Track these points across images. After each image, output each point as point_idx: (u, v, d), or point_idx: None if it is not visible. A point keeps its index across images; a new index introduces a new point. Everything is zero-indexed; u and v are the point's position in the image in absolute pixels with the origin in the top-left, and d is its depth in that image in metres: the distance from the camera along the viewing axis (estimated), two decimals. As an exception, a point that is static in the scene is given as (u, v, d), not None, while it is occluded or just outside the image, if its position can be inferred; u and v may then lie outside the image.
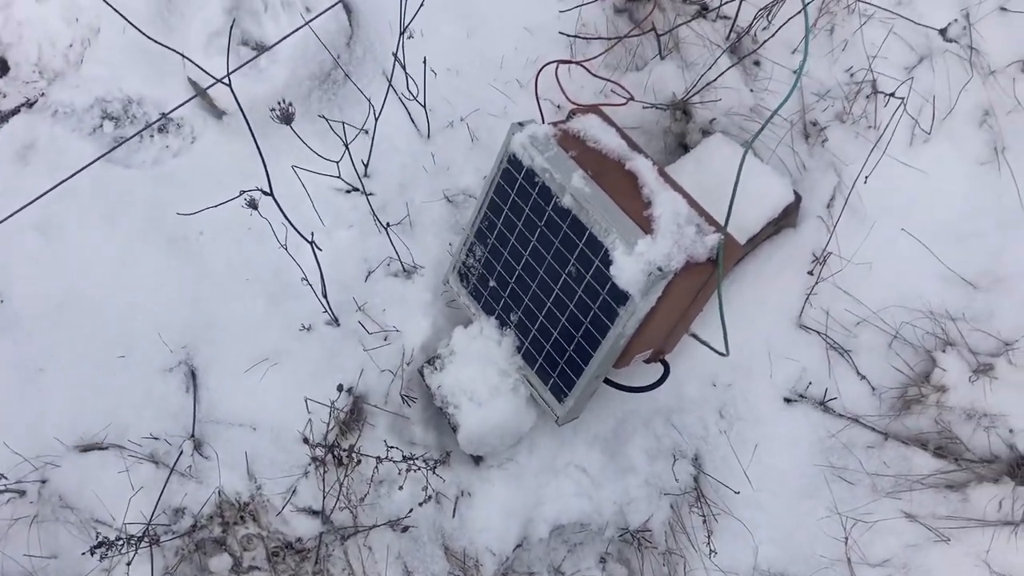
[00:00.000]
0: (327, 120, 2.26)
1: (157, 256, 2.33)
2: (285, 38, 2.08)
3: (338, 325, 2.21)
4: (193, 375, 2.21)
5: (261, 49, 2.43)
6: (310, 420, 2.08)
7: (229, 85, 1.53)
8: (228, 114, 2.39)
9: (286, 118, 1.61)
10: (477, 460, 2.11)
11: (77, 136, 2.50)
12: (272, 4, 2.44)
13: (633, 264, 1.65)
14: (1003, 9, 2.26)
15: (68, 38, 2.69)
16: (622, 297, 1.72)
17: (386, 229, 2.15)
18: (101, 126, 2.53)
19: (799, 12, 2.25)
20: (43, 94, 2.62)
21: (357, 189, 2.34)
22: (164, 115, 2.48)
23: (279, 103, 1.62)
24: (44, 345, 2.25)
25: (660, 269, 1.65)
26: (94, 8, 2.67)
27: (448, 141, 2.39)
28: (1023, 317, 2.08)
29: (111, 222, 2.37)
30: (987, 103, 2.24)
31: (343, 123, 2.17)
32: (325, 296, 2.09)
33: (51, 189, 1.82)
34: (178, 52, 1.79)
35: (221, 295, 2.27)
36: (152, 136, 2.52)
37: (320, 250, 1.96)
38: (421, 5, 2.00)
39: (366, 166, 2.34)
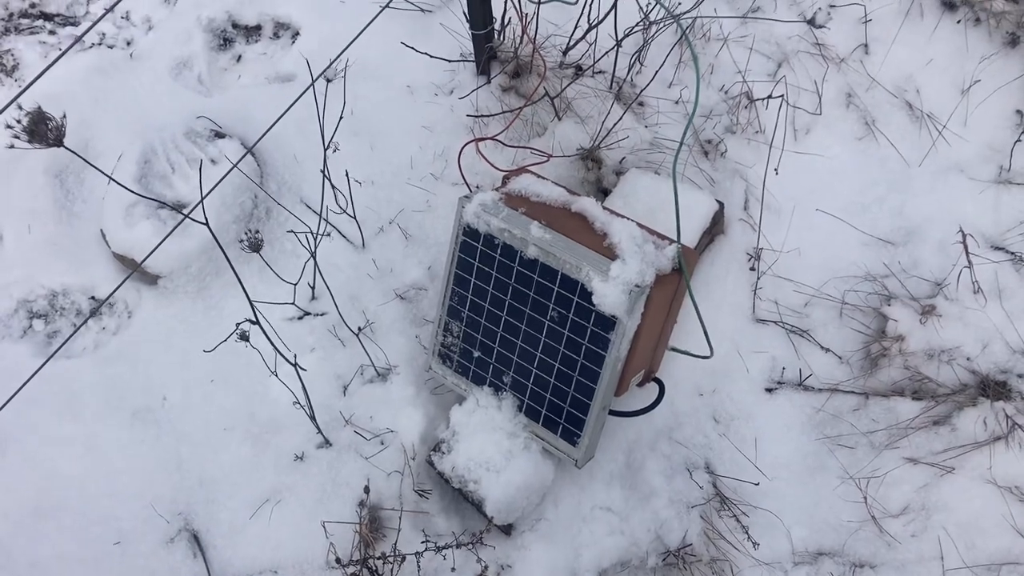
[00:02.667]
0: (263, 258, 2.30)
1: (126, 434, 2.27)
2: (206, 196, 2.13)
3: (330, 445, 2.19)
4: (196, 538, 2.13)
5: (178, 207, 2.46)
6: (332, 544, 2.04)
7: (206, 223, 1.55)
8: (163, 277, 2.39)
9: (255, 246, 1.66)
10: (507, 531, 2.11)
11: (9, 342, 2.44)
12: (179, 164, 2.48)
13: (612, 288, 1.75)
14: (832, 6, 2.56)
15: (-32, 255, 2.64)
16: (609, 323, 1.80)
17: (357, 335, 2.18)
18: (31, 326, 2.47)
19: (669, 52, 2.49)
20: (-43, 314, 2.54)
21: (309, 314, 2.36)
22: (107, 299, 2.45)
23: (247, 232, 1.67)
24: (30, 559, 2.12)
25: (638, 286, 1.75)
26: (-11, 217, 2.64)
27: (383, 245, 2.46)
28: (943, 256, 2.29)
29: (69, 416, 2.30)
30: (847, 87, 2.51)
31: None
32: (314, 418, 2.09)
33: (3, 405, 1.77)
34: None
35: (204, 451, 2.22)
36: (86, 322, 2.48)
37: (304, 369, 1.97)
38: (340, 118, 2.10)
39: (312, 288, 2.37)
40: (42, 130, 1.20)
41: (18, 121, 1.20)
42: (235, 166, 2.04)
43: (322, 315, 2.37)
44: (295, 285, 2.24)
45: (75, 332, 1.87)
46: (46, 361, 1.69)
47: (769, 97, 2.40)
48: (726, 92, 2.52)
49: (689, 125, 1.90)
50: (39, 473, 2.22)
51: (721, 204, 2.30)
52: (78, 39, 1.41)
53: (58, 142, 1.23)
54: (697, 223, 2.21)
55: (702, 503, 2.11)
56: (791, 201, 2.39)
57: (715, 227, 2.31)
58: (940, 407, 2.15)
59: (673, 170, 1.79)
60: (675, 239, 1.89)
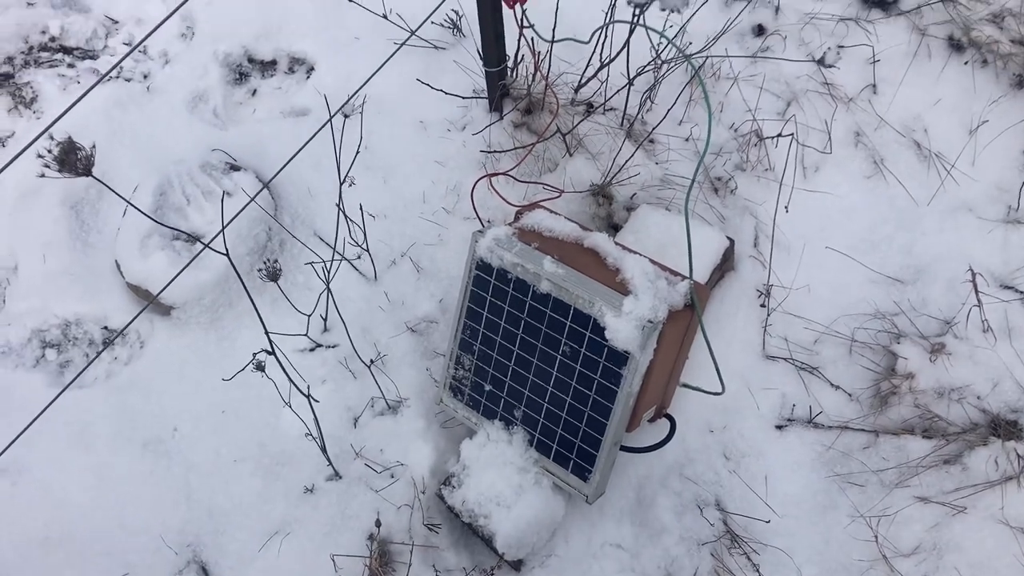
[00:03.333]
0: (280, 288, 2.31)
1: (136, 465, 2.27)
2: (226, 226, 2.16)
3: (340, 478, 2.19)
4: (205, 570, 2.13)
5: (193, 238, 2.48)
6: (340, 578, 2.03)
7: (227, 253, 1.57)
8: (177, 308, 2.41)
9: (273, 275, 1.67)
10: (517, 566, 2.10)
11: (22, 371, 2.45)
12: (194, 196, 2.51)
13: (626, 323, 1.76)
14: (841, 46, 2.60)
15: (-17, 283, 2.66)
16: (621, 359, 1.81)
17: (369, 367, 2.19)
18: (43, 355, 2.49)
19: (681, 91, 2.52)
20: (-29, 342, 2.56)
21: (321, 345, 2.37)
22: (120, 330, 2.47)
23: (265, 262, 1.68)
24: (37, 589, 2.13)
25: (651, 321, 1.76)
26: (6, 247, 2.67)
27: (395, 278, 2.48)
28: (952, 295, 2.30)
29: (79, 446, 2.31)
30: (856, 126, 2.53)
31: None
32: (324, 451, 2.09)
33: (16, 438, 1.77)
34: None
35: (214, 482, 2.22)
36: (99, 352, 2.49)
37: (317, 401, 1.98)
38: (357, 153, 2.13)
39: (325, 320, 2.39)
40: (72, 160, 1.22)
41: (48, 151, 1.22)
42: (252, 200, 2.07)
43: (334, 347, 2.38)
44: (309, 317, 2.25)
45: (88, 366, 1.88)
46: (57, 396, 1.71)
47: (779, 136, 2.43)
48: (736, 130, 2.55)
49: (701, 163, 1.92)
50: (49, 503, 2.23)
51: (732, 241, 2.32)
52: (103, 76, 1.44)
53: (87, 171, 1.25)
54: (708, 259, 2.23)
55: (713, 540, 2.10)
56: (801, 238, 2.41)
57: (726, 263, 2.32)
58: (951, 446, 2.15)
59: (685, 207, 1.81)
60: (687, 275, 1.90)
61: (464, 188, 2.56)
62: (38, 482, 2.26)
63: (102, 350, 1.91)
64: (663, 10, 1.47)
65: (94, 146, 1.24)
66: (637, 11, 1.54)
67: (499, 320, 1.99)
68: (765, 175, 2.49)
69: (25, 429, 1.73)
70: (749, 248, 2.41)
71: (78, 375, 1.82)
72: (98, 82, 1.47)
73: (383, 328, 2.40)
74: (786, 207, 2.35)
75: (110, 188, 1.39)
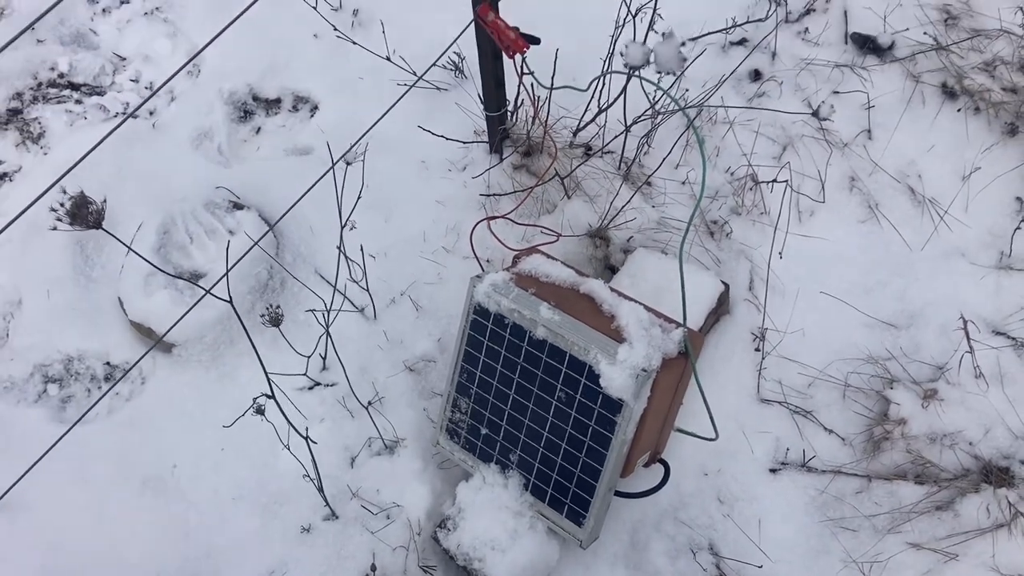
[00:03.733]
0: (281, 333, 2.34)
1: (135, 502, 2.29)
2: (228, 271, 2.18)
3: (337, 518, 2.21)
4: (201, 610, 2.14)
5: (195, 277, 2.51)
6: (336, 619, 2.04)
7: (230, 301, 1.60)
8: (178, 345, 2.43)
9: (275, 321, 1.70)
10: (511, 611, 2.11)
11: (23, 407, 2.48)
12: (197, 235, 2.55)
13: (620, 372, 1.79)
14: (836, 92, 2.65)
15: (-13, 317, 2.69)
16: (616, 406, 1.84)
17: (367, 408, 2.21)
18: (45, 391, 2.51)
19: (678, 138, 2.56)
20: (-26, 377, 2.58)
21: (320, 384, 2.40)
22: (123, 372, 2.49)
23: (268, 308, 1.71)
24: (34, 627, 2.14)
25: (645, 370, 1.79)
26: (10, 282, 2.70)
27: (394, 317, 2.50)
28: (944, 340, 2.33)
29: (77, 482, 2.33)
30: (850, 170, 2.57)
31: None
32: (322, 491, 2.11)
33: (19, 480, 1.80)
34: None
35: (212, 521, 2.24)
36: (100, 387, 2.52)
37: (315, 443, 2.00)
38: (359, 197, 2.16)
39: (324, 358, 2.41)
40: (83, 213, 1.26)
41: (61, 204, 1.26)
42: (256, 244, 2.10)
43: (332, 385, 2.40)
44: (308, 358, 2.28)
45: (92, 407, 1.91)
46: (61, 437, 1.73)
47: (774, 181, 2.46)
48: (732, 174, 2.59)
49: (696, 210, 1.95)
50: (47, 540, 2.24)
51: (727, 285, 2.35)
52: (120, 123, 1.48)
53: (97, 225, 1.29)
54: (703, 304, 2.26)
55: (706, 585, 2.12)
56: (795, 283, 2.44)
57: (721, 308, 2.35)
58: (943, 492, 2.17)
59: (680, 256, 1.84)
60: (681, 323, 1.93)
61: (464, 228, 2.59)
62: (37, 519, 2.27)
63: (108, 389, 1.94)
64: (658, 72, 1.50)
65: (104, 201, 1.27)
66: (632, 72, 1.58)
67: (496, 364, 2.02)
68: (760, 219, 2.53)
69: (28, 470, 1.75)
70: (744, 292, 2.44)
71: (82, 416, 1.85)
72: (113, 130, 1.51)
73: (381, 367, 2.42)
74: (780, 252, 2.38)
75: (117, 239, 1.43)
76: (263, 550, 2.19)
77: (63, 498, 2.30)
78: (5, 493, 1.77)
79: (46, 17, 3.09)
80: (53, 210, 1.27)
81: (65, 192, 1.34)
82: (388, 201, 2.68)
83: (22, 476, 1.72)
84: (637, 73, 1.62)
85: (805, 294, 2.43)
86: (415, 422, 2.34)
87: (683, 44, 1.49)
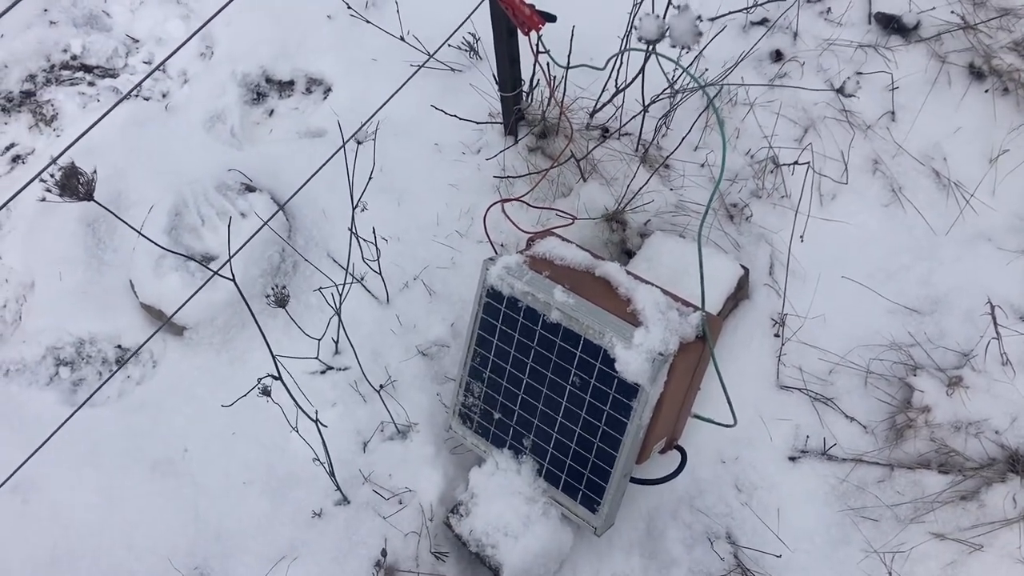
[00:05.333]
0: (288, 314, 2.32)
1: (145, 485, 2.27)
2: (235, 254, 2.16)
3: (348, 503, 2.18)
4: (211, 594, 2.12)
5: (206, 260, 2.49)
6: (346, 604, 2.02)
7: (233, 279, 1.57)
8: (189, 328, 2.41)
9: (280, 301, 1.67)
10: (524, 598, 2.08)
11: (35, 389, 2.47)
12: (209, 217, 2.52)
13: (636, 355, 1.75)
14: (860, 73, 2.58)
15: (1, 299, 2.68)
16: (631, 391, 1.80)
17: (379, 391, 2.18)
18: (57, 373, 2.50)
19: (697, 119, 2.51)
20: (-13, 358, 2.58)
21: (332, 368, 2.37)
22: (127, 357, 2.47)
23: (273, 288, 1.68)
24: (44, 608, 2.13)
25: (661, 354, 1.74)
26: (23, 265, 2.69)
27: (407, 301, 2.47)
28: (969, 327, 2.27)
29: (89, 465, 2.31)
30: (873, 153, 2.51)
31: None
32: (333, 475, 2.08)
33: (28, 459, 1.78)
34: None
35: (222, 504, 2.22)
36: (111, 370, 2.50)
37: (325, 426, 1.97)
38: (369, 179, 2.13)
39: (336, 342, 2.38)
40: (73, 184, 1.23)
41: (51, 175, 1.22)
42: (266, 224, 2.07)
43: (344, 370, 2.37)
44: (319, 341, 2.25)
45: (101, 386, 1.88)
46: (70, 416, 1.71)
47: (795, 163, 2.41)
48: (752, 156, 2.53)
49: (715, 192, 1.90)
50: (58, 522, 2.23)
51: (746, 269, 2.30)
52: (123, 97, 1.45)
53: (88, 196, 1.25)
54: (722, 288, 2.21)
55: (723, 574, 2.08)
56: (816, 267, 2.38)
57: (740, 292, 2.30)
58: (968, 482, 2.11)
59: (699, 238, 1.79)
60: (700, 306, 1.88)
61: (478, 211, 2.55)
62: (48, 500, 2.27)
63: (116, 370, 1.92)
64: (673, 46, 1.45)
65: (95, 171, 1.24)
66: (648, 47, 1.53)
67: (509, 348, 1.98)
68: (781, 202, 2.47)
69: (37, 449, 1.73)
70: (764, 276, 2.39)
71: (91, 395, 1.82)
72: (117, 103, 1.48)
73: (394, 351, 2.39)
74: (802, 236, 2.33)
75: (114, 213, 1.40)
76: (273, 534, 2.17)
77: (74, 480, 2.29)
78: (13, 474, 1.75)
79: (59, -1, 3.08)
80: (43, 181, 1.24)
81: (55, 162, 1.31)
82: (401, 184, 2.64)
83: (30, 456, 1.70)
84: (655, 50, 1.58)
85: (826, 279, 2.37)
86: (428, 407, 2.31)
87: (699, 18, 1.43)
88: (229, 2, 1.55)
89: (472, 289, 2.46)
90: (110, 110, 1.47)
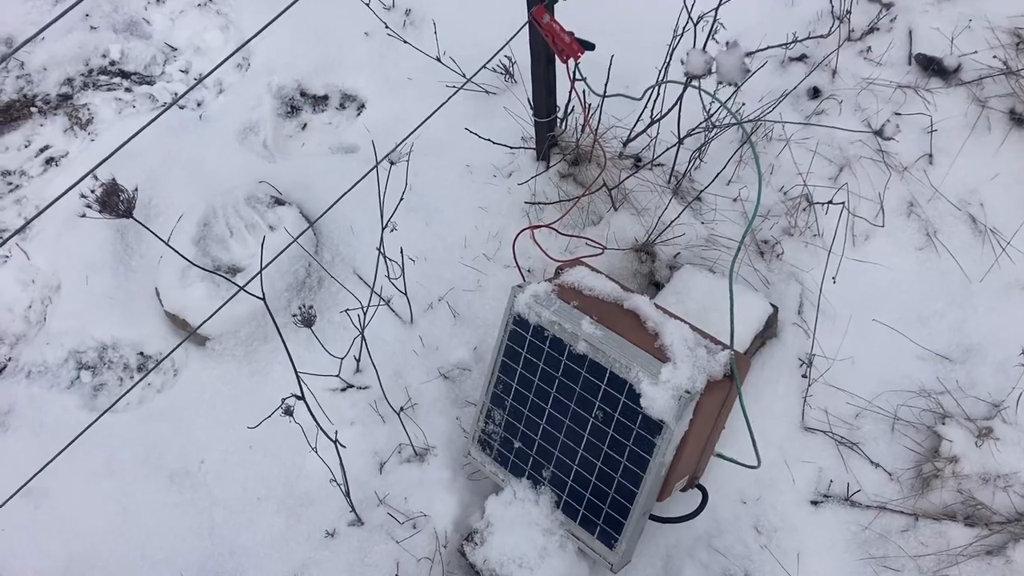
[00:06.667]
0: (314, 333, 2.30)
1: (161, 496, 2.26)
2: (264, 267, 2.15)
3: (362, 524, 2.16)
4: (221, 609, 2.10)
5: (233, 271, 2.49)
6: (356, 628, 1.99)
7: (263, 298, 1.56)
8: (212, 339, 2.41)
9: (307, 321, 1.66)
10: (536, 632, 2.04)
11: (56, 392, 2.47)
12: (237, 228, 2.52)
13: (662, 392, 1.72)
14: (898, 114, 2.55)
15: (26, 300, 2.69)
16: (656, 427, 1.77)
17: (399, 413, 2.17)
18: (78, 377, 2.50)
19: (732, 155, 2.49)
20: (10, 359, 2.58)
21: (352, 386, 2.36)
22: (155, 363, 2.47)
23: (300, 308, 1.67)
24: (54, 615, 2.12)
25: (688, 392, 1.72)
26: (50, 267, 2.70)
27: (431, 323, 2.46)
28: (1001, 377, 2.22)
29: (106, 472, 2.31)
30: (909, 195, 2.48)
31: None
32: (348, 496, 2.06)
33: (45, 465, 1.77)
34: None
35: (237, 519, 2.21)
36: (132, 377, 2.50)
37: (344, 447, 1.95)
38: (400, 200, 2.12)
39: (358, 360, 2.37)
40: (114, 201, 1.23)
41: (92, 191, 1.22)
42: (295, 240, 2.07)
43: (365, 388, 2.36)
44: (342, 360, 2.24)
45: (125, 393, 1.88)
46: (89, 425, 1.71)
47: (830, 203, 2.38)
48: (785, 193, 2.51)
49: (749, 229, 1.88)
50: (72, 529, 2.22)
51: (775, 308, 2.27)
52: (166, 108, 1.45)
53: (127, 214, 1.25)
54: (750, 326, 2.18)
55: (739, 618, 2.04)
56: (847, 308, 2.35)
57: (768, 331, 2.27)
58: (994, 536, 2.07)
59: (730, 276, 1.77)
60: (728, 344, 1.86)
61: (506, 235, 2.54)
62: (62, 506, 2.26)
63: (139, 380, 1.92)
64: (720, 83, 1.44)
65: (136, 190, 1.24)
66: (689, 81, 1.51)
67: (533, 377, 1.96)
68: (813, 241, 2.44)
69: (53, 459, 1.73)
70: (793, 315, 2.36)
71: (112, 404, 1.82)
72: (159, 114, 1.49)
73: (415, 373, 2.38)
74: (834, 277, 2.30)
75: (149, 229, 1.39)
76: (286, 552, 2.15)
77: (89, 487, 2.29)
78: (29, 481, 1.74)
79: (100, 3, 3.12)
80: (83, 196, 1.24)
81: (97, 179, 1.31)
82: (430, 204, 2.64)
83: (46, 464, 1.69)
84: (697, 84, 1.56)
85: (856, 321, 2.34)
86: (447, 431, 2.29)
87: (747, 55, 1.42)
88: (271, 21, 1.56)
89: (497, 313, 2.44)
90: (151, 121, 1.48)
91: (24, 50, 3.08)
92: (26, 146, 2.94)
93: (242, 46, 1.66)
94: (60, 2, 3.15)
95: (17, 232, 1.49)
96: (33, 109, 2.99)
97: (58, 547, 2.20)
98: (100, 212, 1.24)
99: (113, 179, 1.25)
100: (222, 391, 2.40)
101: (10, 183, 2.87)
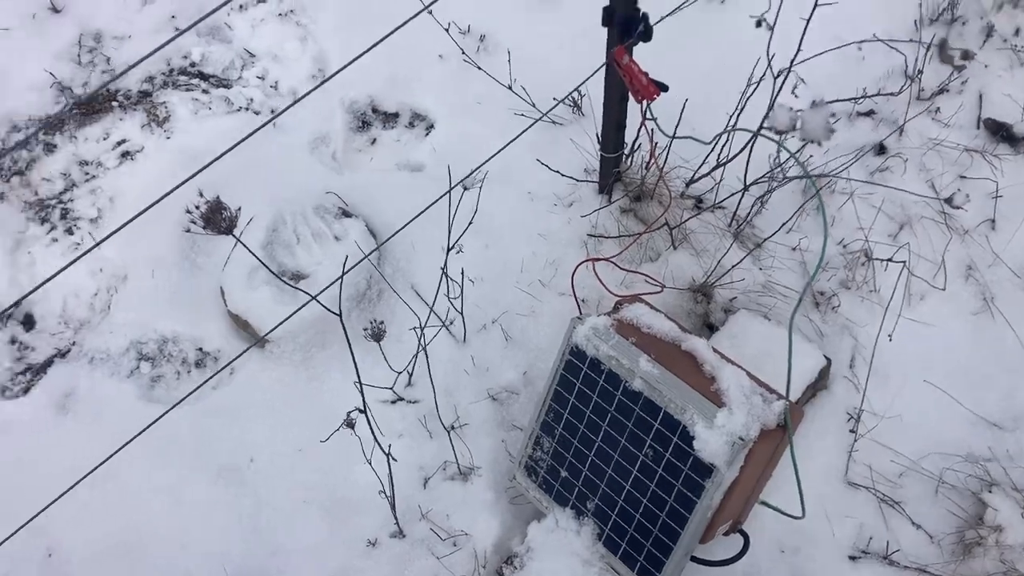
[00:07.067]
0: (381, 349, 2.35)
1: (209, 489, 2.32)
2: (333, 283, 2.22)
3: (403, 536, 2.20)
4: (260, 608, 2.15)
5: (297, 277, 2.55)
6: (390, 639, 2.03)
7: (339, 315, 1.61)
8: (271, 341, 2.47)
9: (377, 336, 1.71)
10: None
11: (115, 380, 2.54)
12: (304, 236, 2.59)
13: (716, 436, 1.75)
14: (963, 177, 2.56)
15: (93, 288, 2.78)
16: (706, 470, 1.79)
17: (448, 431, 2.21)
18: (138, 367, 2.58)
19: (805, 202, 2.51)
20: (74, 343, 2.66)
21: (403, 399, 2.40)
22: (214, 359, 2.53)
23: (371, 322, 1.72)
24: (98, 594, 2.18)
25: (742, 438, 1.74)
26: (119, 257, 2.78)
27: (484, 343, 2.50)
28: (1053, 449, 2.22)
29: (158, 461, 2.37)
30: (968, 259, 2.48)
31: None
32: (394, 508, 2.11)
33: (110, 457, 1.83)
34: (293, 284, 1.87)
35: (281, 521, 2.26)
36: (189, 372, 2.57)
37: (395, 460, 2.00)
38: (470, 223, 2.18)
39: (410, 375, 2.42)
40: (217, 219, 1.28)
41: (197, 207, 1.28)
42: (366, 257, 2.13)
43: (415, 403, 2.41)
44: (399, 374, 2.29)
45: (190, 394, 1.94)
46: (158, 419, 1.77)
47: (889, 260, 2.39)
48: (845, 247, 2.52)
49: (811, 281, 1.90)
50: (125, 512, 2.29)
51: (828, 360, 2.29)
52: (265, 124, 1.51)
53: (228, 231, 1.31)
54: (803, 377, 2.20)
55: (770, 666, 2.04)
56: (899, 367, 2.35)
57: (819, 382, 2.28)
58: (1034, 609, 2.06)
59: (790, 328, 1.80)
60: (783, 394, 1.88)
61: (563, 264, 2.58)
62: (119, 490, 2.32)
63: (207, 379, 1.97)
64: (803, 140, 1.47)
65: (239, 209, 1.30)
66: (778, 138, 1.55)
67: (585, 409, 1.99)
68: (869, 297, 2.46)
69: (121, 448, 1.79)
70: (844, 369, 2.37)
71: (180, 401, 1.89)
72: (250, 135, 1.54)
73: (465, 392, 2.42)
74: (889, 335, 2.31)
75: (246, 247, 1.45)
76: (327, 557, 2.19)
77: (142, 476, 2.35)
78: (94, 469, 1.81)
79: (186, 6, 3.22)
80: (188, 212, 1.30)
81: (202, 195, 1.37)
82: (490, 227, 2.68)
83: (114, 453, 1.76)
84: (778, 139, 1.59)
85: (908, 380, 2.34)
86: (492, 452, 2.33)
87: (833, 116, 1.45)
88: (363, 53, 1.62)
89: (549, 339, 2.48)
90: (250, 135, 1.53)
91: (111, 46, 3.19)
92: (104, 138, 3.04)
93: (329, 78, 1.73)
94: (149, 2, 3.26)
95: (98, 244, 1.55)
96: (114, 103, 3.09)
97: (111, 526, 2.26)
98: (204, 229, 1.30)
99: (218, 197, 1.32)
100: (278, 393, 2.45)
101: (87, 173, 2.97)
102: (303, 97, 1.58)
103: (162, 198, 1.52)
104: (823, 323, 2.44)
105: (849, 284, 2.47)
